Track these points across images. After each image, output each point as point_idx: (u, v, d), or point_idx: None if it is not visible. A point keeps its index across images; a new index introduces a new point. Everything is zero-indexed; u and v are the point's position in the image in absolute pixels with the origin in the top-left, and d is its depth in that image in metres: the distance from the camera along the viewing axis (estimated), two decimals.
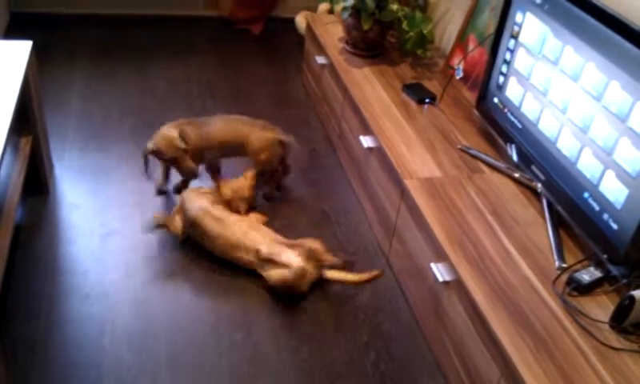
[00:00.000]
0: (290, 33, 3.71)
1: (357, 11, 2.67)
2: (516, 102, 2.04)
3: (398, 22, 2.71)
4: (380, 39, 2.76)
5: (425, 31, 2.68)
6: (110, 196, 2.33)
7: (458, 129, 2.33)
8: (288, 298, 2.00)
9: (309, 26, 3.09)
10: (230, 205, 2.16)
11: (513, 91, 2.06)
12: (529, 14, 1.95)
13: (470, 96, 2.53)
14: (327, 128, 2.87)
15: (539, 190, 1.96)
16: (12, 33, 3.34)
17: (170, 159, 2.23)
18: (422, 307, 1.95)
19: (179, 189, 2.36)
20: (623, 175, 1.57)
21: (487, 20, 2.52)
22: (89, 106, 2.84)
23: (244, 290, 2.02)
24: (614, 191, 1.61)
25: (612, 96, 1.61)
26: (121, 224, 2.22)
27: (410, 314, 2.02)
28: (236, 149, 2.33)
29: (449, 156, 2.16)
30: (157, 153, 2.21)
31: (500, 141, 2.14)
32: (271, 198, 2.41)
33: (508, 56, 2.07)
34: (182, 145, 2.21)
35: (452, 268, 1.71)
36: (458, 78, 2.63)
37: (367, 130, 2.33)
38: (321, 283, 2.07)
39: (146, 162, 2.23)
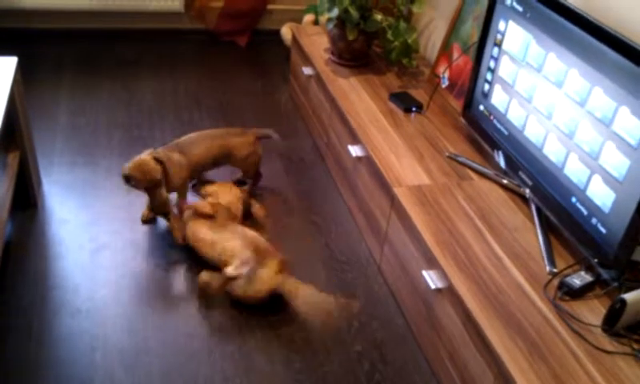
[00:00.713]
0: (275, 44, 3.73)
1: (341, 22, 2.69)
2: (501, 109, 2.07)
3: (382, 32, 2.73)
4: (365, 49, 2.78)
5: (409, 40, 2.70)
6: (99, 210, 2.32)
7: (445, 136, 2.35)
8: (278, 306, 2.00)
9: (294, 38, 3.11)
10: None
11: (498, 98, 2.09)
12: (511, 22, 1.97)
13: (457, 104, 2.55)
14: (315, 138, 2.88)
15: (527, 196, 1.98)
16: None
17: (143, 188, 2.14)
18: (415, 315, 1.96)
19: (146, 220, 2.32)
20: (610, 179, 1.60)
21: (470, 29, 2.55)
22: (76, 121, 2.83)
23: (236, 301, 2.02)
24: (602, 195, 1.63)
25: (596, 101, 1.63)
26: (110, 238, 2.21)
27: (403, 322, 2.02)
28: (223, 161, 2.37)
29: (437, 163, 2.18)
30: (129, 179, 2.10)
31: (487, 148, 2.17)
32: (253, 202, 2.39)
33: (492, 64, 2.10)
34: (158, 176, 2.11)
35: (443, 275, 1.72)
36: (443, 86, 2.65)
37: (355, 140, 2.35)
38: None
39: (127, 182, 2.14)
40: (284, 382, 1.79)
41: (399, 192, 2.00)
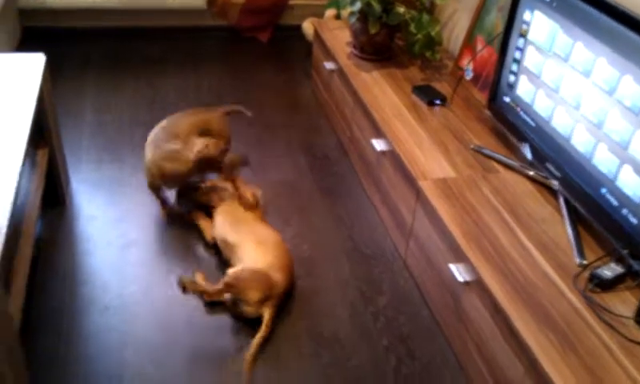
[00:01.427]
0: (297, 40, 3.73)
1: (364, 15, 2.68)
2: (528, 101, 2.05)
3: (405, 25, 2.71)
4: (388, 42, 2.77)
5: (432, 33, 2.69)
6: (127, 207, 2.35)
7: (469, 129, 2.34)
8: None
9: (316, 32, 3.10)
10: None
11: (524, 90, 2.06)
12: (537, 12, 1.95)
13: (481, 96, 2.53)
14: (338, 133, 2.88)
15: (555, 188, 1.96)
16: (24, 47, 3.38)
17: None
18: (442, 308, 1.95)
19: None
20: None
21: (495, 19, 2.52)
22: (102, 118, 2.87)
23: None
24: (632, 185, 1.61)
25: (625, 90, 1.61)
26: (138, 234, 2.23)
27: (429, 316, 2.02)
28: (205, 135, 2.34)
29: (462, 156, 2.17)
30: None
31: (513, 139, 2.14)
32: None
33: (518, 55, 2.08)
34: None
35: (471, 267, 1.71)
36: (467, 78, 2.63)
37: (379, 134, 2.34)
38: (341, 287, 2.07)
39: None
40: (313, 375, 1.80)
41: (424, 185, 1.99)
